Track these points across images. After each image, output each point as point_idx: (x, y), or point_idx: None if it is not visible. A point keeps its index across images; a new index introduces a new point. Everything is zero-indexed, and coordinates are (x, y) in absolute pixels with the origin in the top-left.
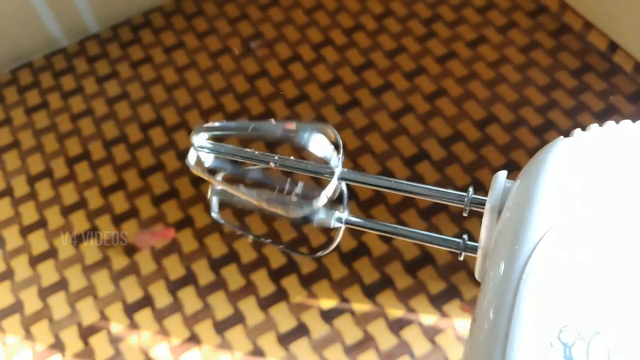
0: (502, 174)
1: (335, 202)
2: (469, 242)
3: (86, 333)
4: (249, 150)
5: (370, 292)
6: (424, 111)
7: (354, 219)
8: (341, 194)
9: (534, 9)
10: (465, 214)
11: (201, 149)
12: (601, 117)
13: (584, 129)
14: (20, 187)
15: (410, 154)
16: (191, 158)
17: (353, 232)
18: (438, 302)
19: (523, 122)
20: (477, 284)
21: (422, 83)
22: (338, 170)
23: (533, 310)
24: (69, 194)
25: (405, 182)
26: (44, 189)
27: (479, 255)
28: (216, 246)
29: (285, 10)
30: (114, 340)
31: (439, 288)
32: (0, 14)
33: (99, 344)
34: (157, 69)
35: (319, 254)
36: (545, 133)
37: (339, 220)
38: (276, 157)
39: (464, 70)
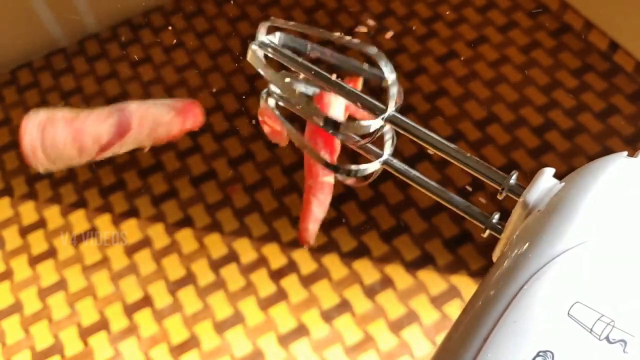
0: (549, 172)
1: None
2: (496, 222)
3: (86, 333)
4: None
5: (370, 292)
6: (424, 111)
7: (395, 163)
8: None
9: (535, 8)
10: (500, 197)
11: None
12: (602, 117)
13: (585, 129)
14: (20, 187)
15: (409, 154)
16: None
17: (353, 232)
18: (438, 302)
19: (523, 121)
20: (478, 284)
21: (423, 83)
22: (389, 110)
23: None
24: (68, 194)
25: (451, 144)
26: (44, 189)
27: (502, 238)
28: (216, 246)
29: (285, 9)
30: (114, 340)
31: (440, 288)
32: (0, 14)
33: (99, 344)
34: (157, 69)
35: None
36: (545, 133)
37: (382, 160)
38: (334, 77)
39: (464, 70)
